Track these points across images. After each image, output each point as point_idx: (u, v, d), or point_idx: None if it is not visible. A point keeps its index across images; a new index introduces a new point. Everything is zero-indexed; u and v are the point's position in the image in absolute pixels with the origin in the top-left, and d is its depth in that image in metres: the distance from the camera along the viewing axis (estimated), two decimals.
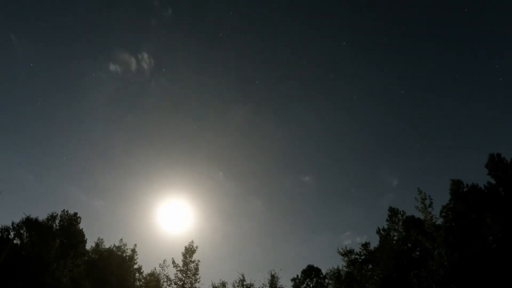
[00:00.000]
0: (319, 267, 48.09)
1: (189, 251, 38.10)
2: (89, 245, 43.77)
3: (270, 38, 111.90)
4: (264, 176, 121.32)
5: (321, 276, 46.98)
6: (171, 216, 77.13)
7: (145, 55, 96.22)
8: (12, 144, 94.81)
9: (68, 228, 41.69)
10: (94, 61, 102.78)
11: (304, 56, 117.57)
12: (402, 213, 38.12)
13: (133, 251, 42.97)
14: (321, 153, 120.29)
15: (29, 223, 36.89)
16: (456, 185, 31.73)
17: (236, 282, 36.90)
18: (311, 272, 48.08)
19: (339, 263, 47.16)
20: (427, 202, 29.03)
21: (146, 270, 43.00)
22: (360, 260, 39.10)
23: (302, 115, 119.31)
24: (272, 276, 36.80)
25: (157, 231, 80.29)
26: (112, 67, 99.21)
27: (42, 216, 39.26)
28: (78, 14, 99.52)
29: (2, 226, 37.28)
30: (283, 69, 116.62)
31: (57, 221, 41.73)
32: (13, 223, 37.47)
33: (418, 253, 33.27)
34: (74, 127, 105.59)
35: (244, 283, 36.51)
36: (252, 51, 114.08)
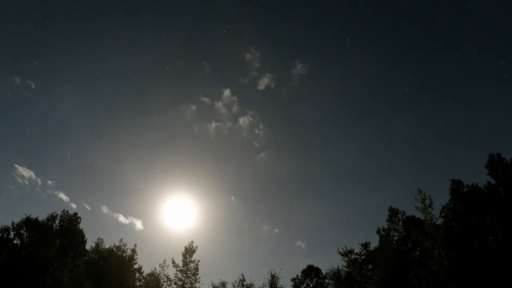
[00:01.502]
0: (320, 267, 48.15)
1: (189, 251, 38.18)
2: (89, 245, 43.91)
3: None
4: (276, 201, 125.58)
5: (321, 276, 46.94)
6: (176, 216, 78.65)
7: (188, 106, 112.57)
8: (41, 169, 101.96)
9: (68, 228, 41.75)
10: (143, 113, 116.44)
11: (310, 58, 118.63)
12: (402, 213, 38.12)
13: (133, 251, 43.00)
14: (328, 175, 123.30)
15: (29, 223, 36.86)
16: (456, 185, 31.71)
17: (236, 282, 36.94)
18: (311, 272, 48.06)
19: (339, 263, 47.13)
20: (427, 202, 29.11)
21: (146, 270, 43.14)
22: (360, 260, 39.05)
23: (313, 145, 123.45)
24: (272, 276, 36.78)
25: (163, 228, 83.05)
26: (156, 114, 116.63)
27: (42, 216, 39.38)
28: (126, 71, 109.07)
29: (2, 226, 37.40)
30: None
31: (57, 221, 41.83)
32: (13, 223, 37.56)
33: (418, 253, 33.25)
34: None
35: (244, 283, 36.50)
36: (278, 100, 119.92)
